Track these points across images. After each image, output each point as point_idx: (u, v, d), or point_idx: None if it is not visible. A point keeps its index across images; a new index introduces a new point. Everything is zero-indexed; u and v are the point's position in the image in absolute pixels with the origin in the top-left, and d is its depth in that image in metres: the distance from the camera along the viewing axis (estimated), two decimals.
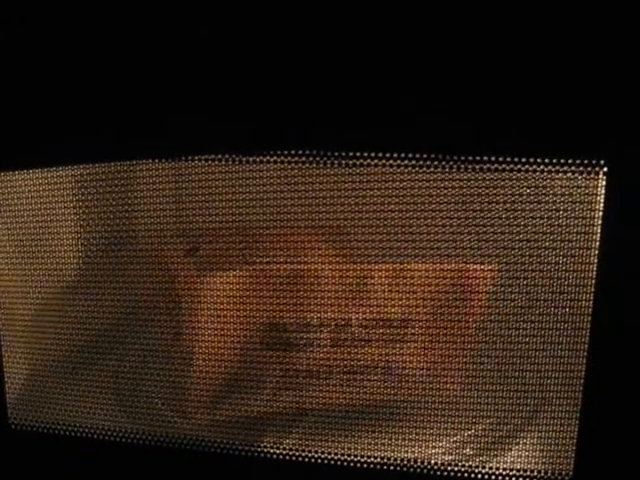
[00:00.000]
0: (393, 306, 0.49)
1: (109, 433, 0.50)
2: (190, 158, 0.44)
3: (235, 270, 0.52)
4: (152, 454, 0.50)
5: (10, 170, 0.48)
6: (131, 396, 0.51)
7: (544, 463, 0.45)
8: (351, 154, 0.41)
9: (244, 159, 0.43)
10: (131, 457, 0.50)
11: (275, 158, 0.42)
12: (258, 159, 0.42)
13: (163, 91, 0.43)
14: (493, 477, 0.45)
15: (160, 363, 0.52)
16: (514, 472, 0.45)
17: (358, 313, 0.50)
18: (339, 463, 0.47)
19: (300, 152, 0.41)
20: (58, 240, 0.51)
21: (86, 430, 0.50)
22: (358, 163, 0.41)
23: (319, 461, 0.47)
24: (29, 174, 0.48)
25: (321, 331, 0.50)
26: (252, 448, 0.48)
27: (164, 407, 0.50)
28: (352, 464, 0.47)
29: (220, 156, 0.43)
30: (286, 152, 0.42)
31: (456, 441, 0.48)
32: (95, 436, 0.50)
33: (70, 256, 0.52)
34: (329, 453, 0.47)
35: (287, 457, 0.47)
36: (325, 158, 0.41)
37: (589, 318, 0.42)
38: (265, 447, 0.48)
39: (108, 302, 0.52)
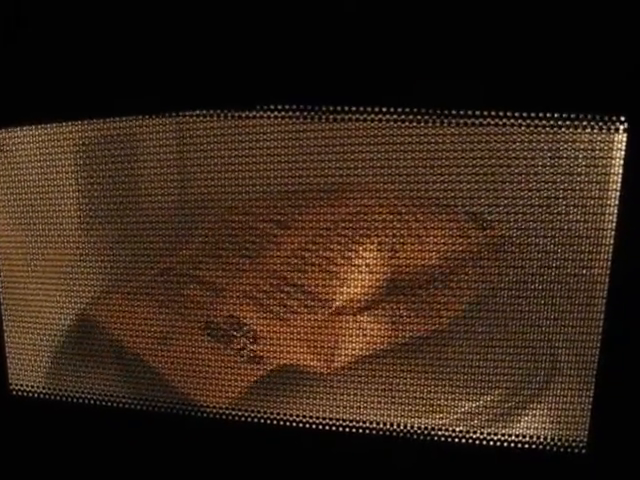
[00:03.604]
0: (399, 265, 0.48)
1: (110, 399, 0.49)
2: (185, 114, 0.43)
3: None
4: (153, 420, 0.49)
5: (8, 127, 0.47)
6: (133, 362, 0.50)
7: (559, 431, 0.44)
8: (350, 108, 0.40)
9: (239, 114, 0.42)
10: (132, 423, 0.49)
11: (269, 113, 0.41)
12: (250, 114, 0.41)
13: (159, 46, 0.42)
14: (506, 445, 0.44)
15: (163, 329, 0.51)
16: (527, 440, 0.43)
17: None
18: (347, 430, 0.46)
19: (294, 106, 0.40)
20: (59, 204, 0.50)
21: (87, 396, 0.49)
22: (355, 118, 0.39)
23: (326, 427, 0.46)
24: (28, 131, 0.47)
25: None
26: (256, 414, 0.47)
27: (166, 373, 0.49)
28: (361, 431, 0.46)
29: (217, 111, 0.42)
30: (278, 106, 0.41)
31: (470, 409, 0.47)
32: (97, 402, 0.49)
33: (72, 221, 0.51)
34: (336, 420, 0.46)
35: (297, 423, 0.46)
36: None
37: (606, 280, 0.41)
38: (272, 413, 0.47)
39: (109, 267, 0.52)
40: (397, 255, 0.49)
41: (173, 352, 0.49)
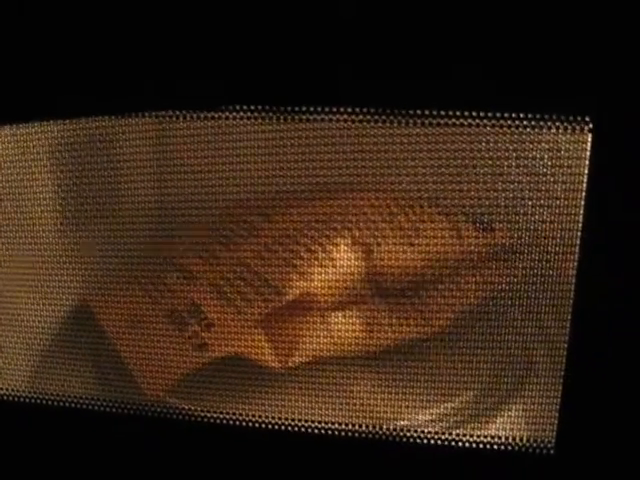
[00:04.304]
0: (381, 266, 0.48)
1: (87, 402, 0.49)
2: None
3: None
4: (127, 423, 0.49)
5: None
6: (108, 363, 0.50)
7: (526, 432, 0.44)
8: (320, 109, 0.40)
9: (217, 114, 0.42)
10: (105, 426, 0.49)
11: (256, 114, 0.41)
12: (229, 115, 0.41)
13: (140, 47, 0.42)
14: (474, 445, 0.44)
15: (140, 329, 0.51)
16: (495, 440, 0.43)
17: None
18: (317, 432, 0.46)
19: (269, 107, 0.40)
20: (36, 205, 0.50)
21: (59, 398, 0.49)
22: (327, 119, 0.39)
23: (296, 429, 0.46)
24: (2, 130, 0.47)
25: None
26: (234, 417, 0.47)
27: (137, 374, 0.49)
28: (333, 433, 0.46)
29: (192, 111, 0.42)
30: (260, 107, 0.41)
31: (439, 411, 0.47)
32: (69, 404, 0.49)
33: (47, 220, 0.51)
34: (306, 421, 0.46)
35: (269, 425, 0.46)
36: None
37: (572, 286, 0.41)
38: (248, 415, 0.47)
39: (89, 267, 0.52)
40: (373, 256, 0.48)
41: (137, 338, 0.49)
